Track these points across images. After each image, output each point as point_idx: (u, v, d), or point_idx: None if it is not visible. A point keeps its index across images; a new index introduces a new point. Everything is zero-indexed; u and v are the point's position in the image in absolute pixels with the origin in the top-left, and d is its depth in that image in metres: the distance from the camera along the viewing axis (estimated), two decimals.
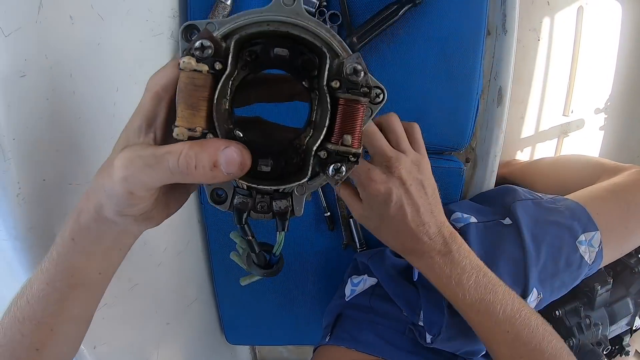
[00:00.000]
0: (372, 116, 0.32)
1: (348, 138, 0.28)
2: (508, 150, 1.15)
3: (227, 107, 0.29)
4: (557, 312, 0.74)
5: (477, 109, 0.72)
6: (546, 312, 0.75)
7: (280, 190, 0.30)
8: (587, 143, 1.17)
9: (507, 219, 0.69)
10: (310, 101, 0.32)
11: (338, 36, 0.30)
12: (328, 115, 0.28)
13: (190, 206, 0.75)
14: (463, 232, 0.67)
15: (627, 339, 0.79)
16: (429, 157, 0.79)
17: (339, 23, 0.65)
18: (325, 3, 0.65)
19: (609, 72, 1.14)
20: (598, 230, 0.67)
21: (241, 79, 0.30)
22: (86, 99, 0.52)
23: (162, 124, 0.31)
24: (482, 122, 0.78)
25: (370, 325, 0.65)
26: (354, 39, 0.63)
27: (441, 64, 0.68)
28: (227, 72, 0.27)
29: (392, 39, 0.67)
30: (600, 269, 0.75)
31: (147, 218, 0.33)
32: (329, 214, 0.75)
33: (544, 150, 1.17)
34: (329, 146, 0.28)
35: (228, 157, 0.26)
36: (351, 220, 0.76)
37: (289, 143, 0.31)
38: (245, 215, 0.31)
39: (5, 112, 0.42)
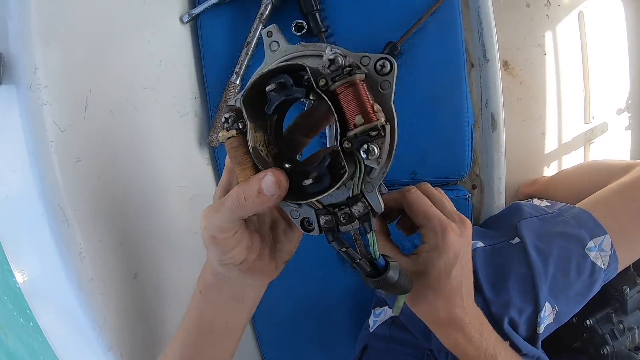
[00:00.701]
0: (393, 87, 0.31)
1: (359, 118, 0.29)
2: (534, 168, 1.14)
3: (275, 151, 0.33)
4: (588, 321, 0.71)
5: (472, 138, 0.75)
6: (577, 322, 0.72)
7: (332, 196, 0.32)
8: (615, 146, 1.13)
9: (516, 238, 0.70)
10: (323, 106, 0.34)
11: (310, 44, 0.32)
12: (333, 111, 0.29)
13: None
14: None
15: None
16: None
17: None
18: None
19: (623, 69, 1.12)
20: (607, 233, 0.66)
21: (275, 121, 0.34)
22: (130, 174, 0.64)
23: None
24: (482, 148, 0.81)
25: (392, 355, 0.67)
26: None
27: (430, 103, 0.73)
28: (248, 126, 0.31)
29: None
30: (629, 270, 0.72)
31: (250, 269, 0.38)
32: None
33: (572, 162, 1.14)
34: (349, 134, 0.29)
35: (266, 182, 0.31)
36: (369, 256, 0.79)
37: (333, 152, 0.32)
38: (335, 231, 0.33)
39: (66, 190, 0.54)
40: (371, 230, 0.33)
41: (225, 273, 0.39)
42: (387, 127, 0.30)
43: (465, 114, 0.73)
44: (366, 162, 0.30)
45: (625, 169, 0.77)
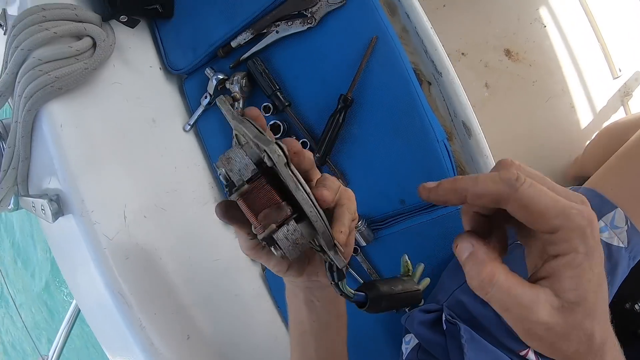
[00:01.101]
0: (286, 174, 0.33)
1: (252, 228, 0.35)
2: (575, 146, 1.07)
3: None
4: (637, 305, 0.66)
5: (449, 152, 0.77)
6: (628, 310, 0.66)
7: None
8: None
9: None
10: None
11: (245, 124, 0.35)
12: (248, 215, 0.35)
13: (270, 311, 0.98)
14: None
15: None
16: (425, 216, 0.81)
17: (308, 147, 0.84)
18: (294, 137, 0.86)
19: (635, 7, 1.01)
20: (616, 207, 0.60)
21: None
22: (169, 259, 0.84)
23: None
24: (467, 158, 0.81)
25: None
26: (318, 155, 0.80)
27: (395, 135, 0.78)
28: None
29: (348, 137, 0.82)
30: None
31: (305, 272, 0.47)
32: None
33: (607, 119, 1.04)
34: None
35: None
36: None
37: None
38: (332, 265, 0.37)
39: (122, 280, 0.75)
40: (338, 281, 0.37)
41: (288, 279, 0.48)
42: (291, 221, 0.34)
43: (432, 132, 0.76)
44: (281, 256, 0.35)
45: (638, 123, 0.72)
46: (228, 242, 0.96)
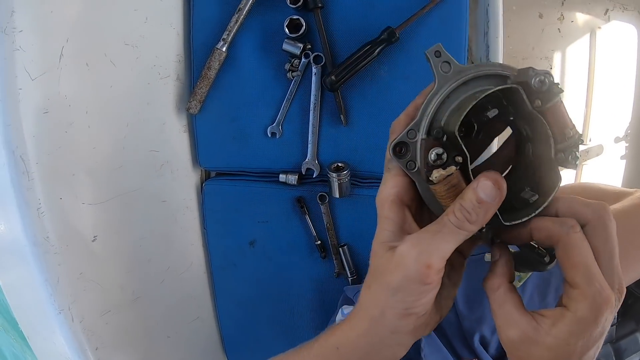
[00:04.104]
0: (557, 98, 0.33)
1: (570, 130, 0.33)
2: None
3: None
4: None
5: None
6: None
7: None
8: (608, 171, 1.18)
9: None
10: (511, 125, 0.38)
11: (483, 63, 0.35)
12: (548, 127, 0.33)
13: (194, 231, 0.87)
14: None
15: None
16: None
17: (322, 63, 0.75)
18: (309, 46, 0.75)
19: (628, 98, 1.17)
20: None
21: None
22: (99, 132, 0.66)
23: (411, 223, 0.36)
24: None
25: None
26: (332, 77, 0.71)
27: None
28: (468, 157, 0.33)
29: (373, 77, 0.75)
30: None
31: (424, 323, 0.36)
32: (319, 242, 0.83)
33: (563, 181, 1.19)
34: (560, 146, 0.33)
35: (483, 188, 0.31)
36: (341, 249, 0.82)
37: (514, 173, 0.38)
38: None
39: (31, 141, 0.56)
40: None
41: (395, 332, 0.36)
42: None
43: None
44: (569, 167, 0.34)
45: (617, 196, 0.79)
46: (176, 134, 0.81)
